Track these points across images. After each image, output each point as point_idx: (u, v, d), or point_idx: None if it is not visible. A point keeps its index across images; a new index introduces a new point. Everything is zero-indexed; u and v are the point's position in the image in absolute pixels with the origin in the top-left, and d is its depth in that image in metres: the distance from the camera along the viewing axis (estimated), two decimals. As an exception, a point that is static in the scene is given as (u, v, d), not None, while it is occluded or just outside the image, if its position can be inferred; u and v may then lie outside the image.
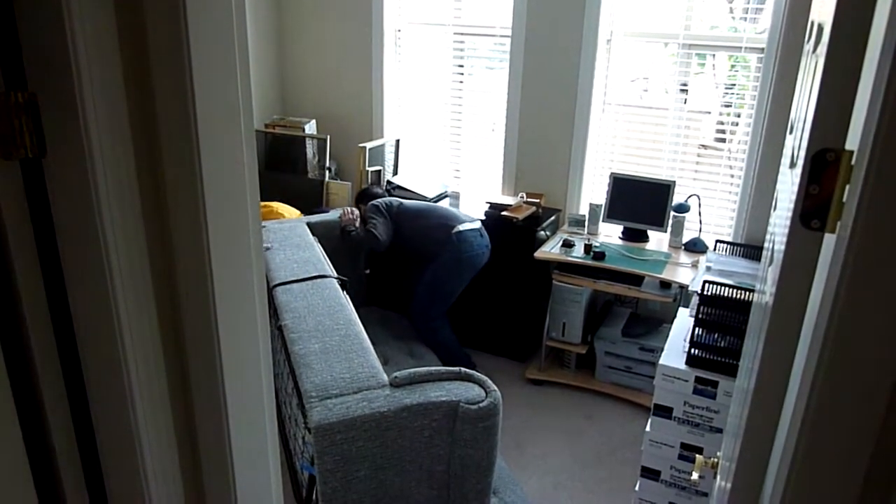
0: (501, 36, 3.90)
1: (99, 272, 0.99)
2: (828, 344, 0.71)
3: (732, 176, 3.60)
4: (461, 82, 4.14)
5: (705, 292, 2.10)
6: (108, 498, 1.15)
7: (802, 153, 0.79)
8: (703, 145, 3.90)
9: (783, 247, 0.81)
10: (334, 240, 3.54)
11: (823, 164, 0.73)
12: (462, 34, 4.04)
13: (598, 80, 3.69)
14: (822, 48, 0.72)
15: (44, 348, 1.03)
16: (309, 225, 3.46)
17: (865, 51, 0.66)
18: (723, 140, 3.72)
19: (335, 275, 2.75)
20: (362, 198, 3.70)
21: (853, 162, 0.69)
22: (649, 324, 3.59)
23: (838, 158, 0.72)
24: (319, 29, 4.34)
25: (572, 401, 3.52)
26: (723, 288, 2.08)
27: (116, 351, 1.03)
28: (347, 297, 2.56)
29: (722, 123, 3.72)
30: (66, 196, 0.96)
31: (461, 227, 3.36)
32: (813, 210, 0.75)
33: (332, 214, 3.70)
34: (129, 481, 1.12)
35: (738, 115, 3.61)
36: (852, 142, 0.70)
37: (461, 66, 4.11)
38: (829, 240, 0.74)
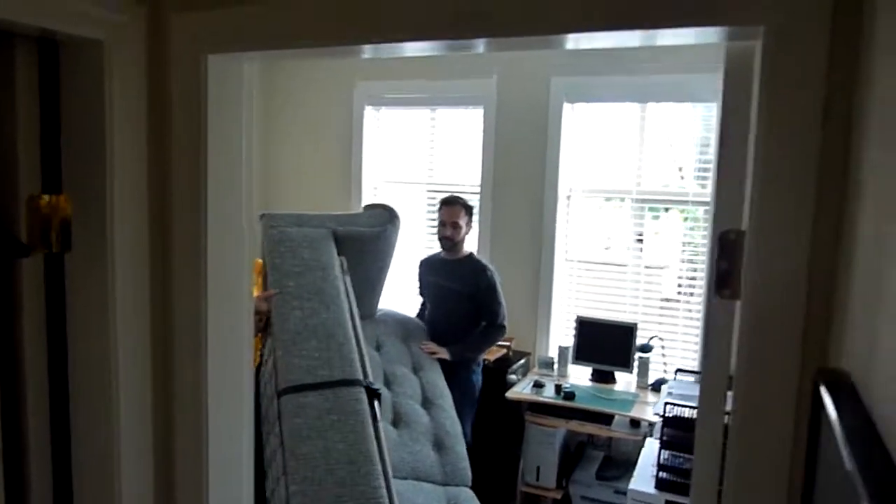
0: (471, 193, 4.23)
1: (104, 365, 1.08)
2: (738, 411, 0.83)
3: (697, 325, 3.77)
4: (434, 234, 4.42)
5: (667, 413, 2.18)
6: None
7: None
8: (666, 298, 4.12)
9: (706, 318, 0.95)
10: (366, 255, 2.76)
11: (729, 244, 0.90)
12: (434, 191, 4.38)
13: (559, 234, 3.98)
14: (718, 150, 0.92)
15: (39, 425, 1.09)
16: (336, 239, 2.62)
17: (747, 151, 0.85)
18: (683, 293, 3.96)
19: (364, 378, 2.12)
20: (461, 205, 3.37)
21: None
22: (623, 466, 3.57)
23: (741, 238, 0.89)
24: (299, 157, 4.62)
25: (550, 551, 3.40)
26: (684, 409, 2.17)
27: (111, 439, 1.09)
28: (378, 411, 2.06)
29: (681, 278, 3.99)
30: (83, 289, 1.08)
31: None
32: (725, 281, 0.90)
33: (362, 221, 2.89)
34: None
35: (696, 271, 3.87)
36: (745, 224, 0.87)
37: (434, 219, 4.40)
38: (738, 306, 0.89)
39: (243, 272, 1.24)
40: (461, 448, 2.79)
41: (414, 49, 1.09)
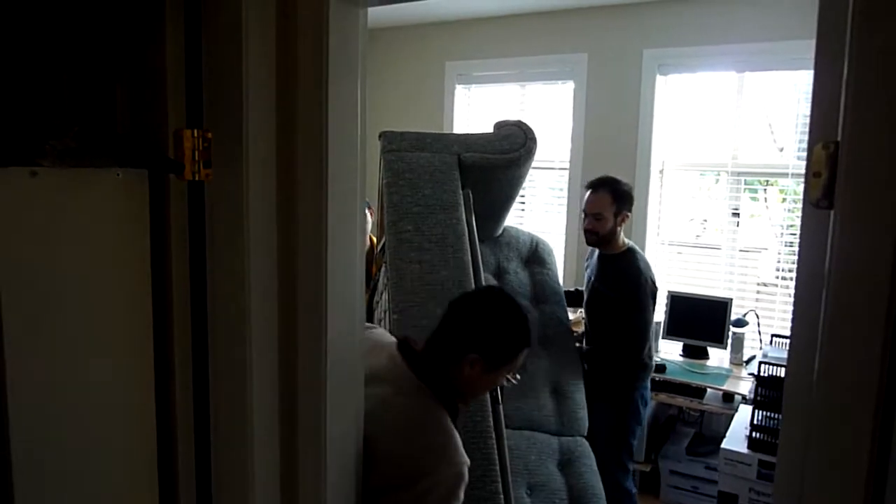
0: (560, 168, 4.26)
1: (239, 281, 1.22)
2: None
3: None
4: (522, 211, 4.47)
5: (762, 373, 2.16)
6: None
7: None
8: (763, 283, 4.01)
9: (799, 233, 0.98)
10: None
11: (825, 156, 0.92)
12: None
13: (651, 210, 3.94)
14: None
15: (182, 338, 1.24)
16: (461, 166, 2.26)
17: (844, 61, 0.87)
18: (783, 279, 3.85)
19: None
20: (607, 191, 2.72)
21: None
22: (714, 442, 3.52)
23: (837, 149, 0.91)
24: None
25: (637, 523, 3.40)
26: (780, 369, 2.14)
27: (243, 350, 1.23)
28: (501, 422, 1.80)
29: (779, 262, 3.88)
30: (221, 213, 1.22)
31: None
32: (821, 193, 0.92)
33: (494, 145, 2.39)
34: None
35: (795, 254, 3.73)
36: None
37: (523, 196, 4.46)
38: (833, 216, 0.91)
39: (357, 217, 1.35)
40: (581, 396, 2.54)
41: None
